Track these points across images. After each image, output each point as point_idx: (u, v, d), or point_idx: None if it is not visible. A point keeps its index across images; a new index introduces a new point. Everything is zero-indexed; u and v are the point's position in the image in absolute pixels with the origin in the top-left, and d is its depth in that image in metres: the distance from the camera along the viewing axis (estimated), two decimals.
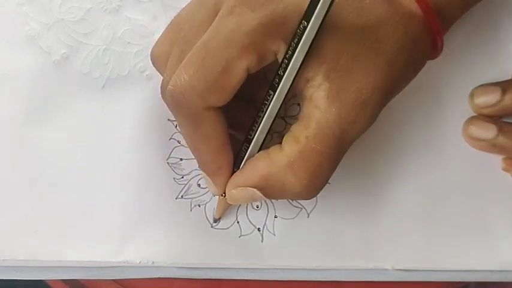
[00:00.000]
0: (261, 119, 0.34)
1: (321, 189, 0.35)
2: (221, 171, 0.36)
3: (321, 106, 0.32)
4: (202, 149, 0.36)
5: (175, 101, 0.33)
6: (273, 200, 0.41)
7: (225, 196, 0.37)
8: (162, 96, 0.35)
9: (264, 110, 0.34)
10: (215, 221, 0.41)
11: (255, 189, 0.35)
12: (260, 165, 0.35)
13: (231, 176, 0.37)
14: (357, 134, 0.33)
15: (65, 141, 0.41)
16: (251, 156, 0.36)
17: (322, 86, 0.32)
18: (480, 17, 0.42)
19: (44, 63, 0.40)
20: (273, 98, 0.33)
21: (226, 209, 0.41)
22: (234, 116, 0.36)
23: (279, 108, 0.34)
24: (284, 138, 0.34)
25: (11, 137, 0.41)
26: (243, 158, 0.36)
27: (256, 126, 0.35)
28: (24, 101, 0.40)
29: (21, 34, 0.40)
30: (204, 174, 0.38)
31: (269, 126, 0.35)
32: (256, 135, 0.35)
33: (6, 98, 0.40)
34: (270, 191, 0.35)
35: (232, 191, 0.36)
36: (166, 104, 0.35)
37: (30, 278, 0.41)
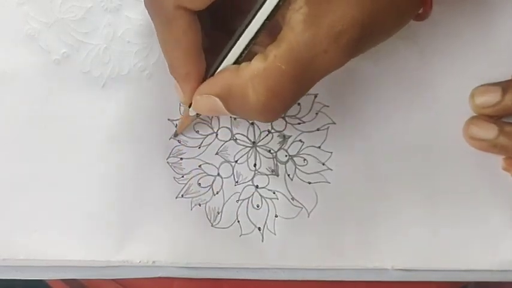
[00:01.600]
0: (240, 32, 0.34)
1: (279, 113, 0.34)
2: (189, 78, 0.36)
3: (295, 28, 0.32)
4: (172, 52, 0.36)
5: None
6: (273, 200, 0.41)
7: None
8: None
9: (246, 24, 0.34)
10: (175, 135, 0.41)
11: (217, 99, 0.35)
12: (226, 75, 0.35)
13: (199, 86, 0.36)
14: (326, 65, 0.33)
15: (64, 140, 0.41)
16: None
17: (301, 9, 0.32)
18: (480, 17, 0.42)
19: (44, 62, 0.40)
20: (257, 12, 0.33)
21: (188, 124, 0.41)
22: (216, 47, 0.36)
23: (259, 28, 0.33)
24: (256, 55, 0.34)
25: (11, 136, 0.41)
26: (215, 71, 0.36)
27: (233, 40, 0.34)
28: (25, 100, 0.40)
29: (21, 33, 0.40)
30: (174, 81, 0.37)
31: (247, 42, 0.34)
32: (232, 49, 0.35)
33: (6, 97, 0.40)
34: (231, 103, 0.34)
35: (197, 97, 0.36)
36: (145, 6, 0.35)
37: (30, 277, 0.41)
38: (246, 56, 0.35)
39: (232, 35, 0.35)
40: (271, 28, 0.33)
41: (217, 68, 0.35)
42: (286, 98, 0.33)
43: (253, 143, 0.42)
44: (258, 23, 0.33)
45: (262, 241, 0.41)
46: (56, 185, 0.41)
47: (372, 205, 0.42)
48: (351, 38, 0.32)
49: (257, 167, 0.42)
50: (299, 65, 0.32)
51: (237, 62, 0.35)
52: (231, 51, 0.35)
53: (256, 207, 0.41)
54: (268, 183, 0.42)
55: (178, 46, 0.35)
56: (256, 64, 0.33)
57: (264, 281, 0.42)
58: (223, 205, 0.41)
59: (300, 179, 0.42)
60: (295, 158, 0.42)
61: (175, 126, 0.41)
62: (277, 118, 0.35)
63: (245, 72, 0.33)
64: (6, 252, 0.40)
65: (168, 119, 0.41)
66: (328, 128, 0.42)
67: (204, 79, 0.36)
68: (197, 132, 0.41)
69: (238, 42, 0.34)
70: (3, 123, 0.40)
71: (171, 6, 0.33)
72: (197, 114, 0.39)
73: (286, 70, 0.32)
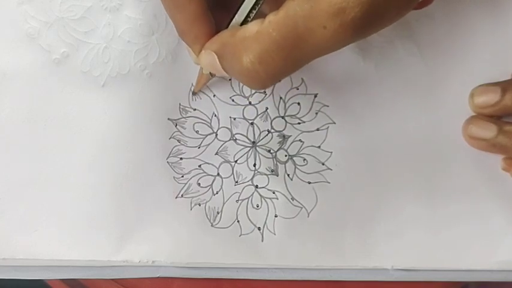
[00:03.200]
0: None
1: (264, 82, 0.33)
2: (198, 40, 0.36)
3: None
4: (178, 18, 0.36)
5: None
6: (273, 200, 0.41)
7: None
8: None
9: None
10: (193, 93, 0.41)
11: (215, 55, 0.35)
12: (226, 33, 0.35)
13: None
14: (323, 43, 0.31)
15: (64, 140, 0.41)
16: None
17: None
18: (480, 17, 0.42)
19: (44, 61, 0.40)
20: None
21: (204, 83, 0.41)
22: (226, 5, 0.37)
23: None
24: (256, 19, 0.33)
25: (10, 136, 0.41)
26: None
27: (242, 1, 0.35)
28: (24, 99, 0.40)
29: (21, 33, 0.40)
30: (185, 45, 0.38)
31: (253, 3, 0.34)
32: (239, 9, 0.35)
33: (6, 96, 0.40)
34: (224, 61, 0.34)
35: (202, 51, 0.36)
36: None
37: (30, 277, 0.41)
38: (254, 18, 0.34)
39: None
40: None
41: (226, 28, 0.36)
42: (273, 68, 0.32)
43: (253, 143, 0.42)
44: None
45: (262, 241, 0.41)
46: (56, 184, 0.41)
47: (371, 205, 0.42)
48: (355, 16, 0.30)
49: (257, 167, 0.42)
50: (291, 36, 0.31)
51: (245, 23, 0.35)
52: (238, 12, 0.35)
53: (256, 207, 0.41)
54: (268, 183, 0.42)
55: (186, 10, 0.35)
56: (252, 27, 0.32)
57: (263, 280, 0.42)
58: (223, 205, 0.41)
59: (300, 179, 0.42)
60: (295, 158, 0.42)
61: (175, 126, 0.41)
62: (263, 87, 0.34)
63: (240, 33, 0.33)
64: (6, 252, 0.40)
65: (168, 119, 0.41)
66: (328, 128, 0.42)
67: None
68: (197, 132, 0.41)
69: (245, 3, 0.34)
70: (3, 123, 0.40)
71: None
72: (211, 74, 0.39)
73: (277, 38, 0.31)
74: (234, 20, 0.35)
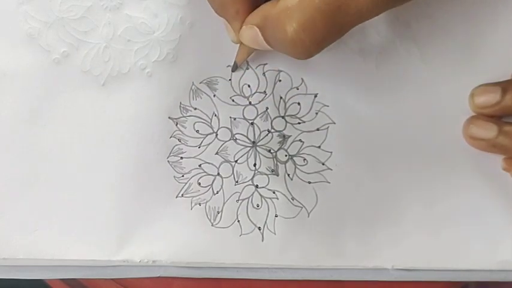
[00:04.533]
0: None
1: (309, 50, 0.33)
2: (238, 16, 0.36)
3: None
4: None
5: None
6: (273, 199, 0.41)
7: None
8: None
9: None
10: (234, 67, 0.41)
11: (257, 29, 0.35)
12: (267, 6, 0.35)
13: None
14: (364, 5, 0.32)
15: (65, 139, 0.41)
16: None
17: None
18: (480, 17, 0.42)
19: (44, 61, 0.40)
20: None
21: (246, 57, 0.41)
22: None
23: None
24: None
25: (10, 136, 0.41)
26: None
27: None
28: (25, 99, 0.40)
29: (21, 33, 0.40)
30: (223, 20, 0.37)
31: None
32: None
33: (6, 96, 0.40)
34: (267, 33, 0.35)
35: (243, 27, 0.36)
36: None
37: (30, 277, 0.41)
38: None
39: None
40: None
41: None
42: (317, 35, 0.33)
43: (253, 142, 0.42)
44: None
45: (262, 241, 0.41)
46: (56, 184, 0.41)
47: (371, 205, 0.42)
48: None
49: (257, 166, 0.42)
50: (334, 1, 0.31)
51: None
52: None
53: (256, 206, 0.41)
54: (268, 183, 0.42)
55: None
56: None
57: (264, 280, 0.42)
58: (223, 205, 0.41)
59: (300, 179, 0.42)
60: (295, 158, 0.42)
61: (176, 125, 0.41)
62: (308, 56, 0.34)
63: (281, 3, 0.33)
64: (6, 251, 0.40)
65: (169, 117, 0.41)
66: (328, 127, 0.42)
67: None
68: (197, 131, 0.41)
69: None
70: (3, 123, 0.40)
71: None
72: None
73: (320, 4, 0.32)
74: None
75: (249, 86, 0.41)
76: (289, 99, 0.42)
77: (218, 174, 0.41)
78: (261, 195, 0.41)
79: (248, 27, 0.36)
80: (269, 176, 0.42)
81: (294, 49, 0.33)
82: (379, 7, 0.32)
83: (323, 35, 0.33)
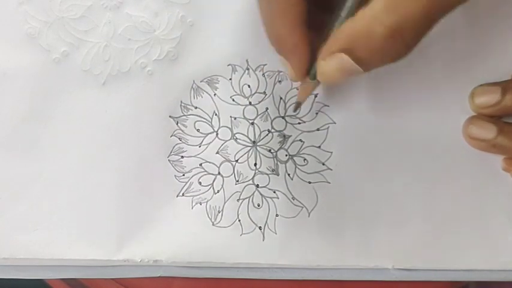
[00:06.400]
0: None
1: (408, 43, 0.31)
2: (298, 50, 0.34)
3: None
4: (278, 23, 0.34)
5: None
6: (274, 199, 0.41)
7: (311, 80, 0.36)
8: None
9: None
10: (297, 106, 0.40)
11: (343, 54, 0.32)
12: (345, 28, 0.32)
13: (309, 59, 0.35)
14: None
15: (65, 139, 0.41)
16: None
17: None
18: (480, 17, 0.42)
19: (45, 61, 0.40)
20: None
21: (309, 94, 0.39)
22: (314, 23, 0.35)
23: None
24: None
25: (11, 135, 0.41)
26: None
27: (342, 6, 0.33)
28: (25, 99, 0.40)
29: (21, 33, 0.40)
30: (280, 58, 0.36)
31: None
32: (345, 5, 0.33)
33: (6, 96, 0.40)
34: (357, 49, 0.32)
35: (321, 62, 0.33)
36: None
37: (30, 277, 0.41)
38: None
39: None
40: None
41: (328, 32, 0.34)
42: (415, 29, 0.31)
43: (254, 142, 0.42)
44: None
45: (263, 240, 0.41)
46: (56, 184, 0.41)
47: (371, 205, 0.42)
48: None
49: (257, 166, 0.42)
50: None
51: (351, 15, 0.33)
52: (344, 8, 0.33)
53: (256, 206, 0.41)
54: (268, 183, 0.42)
55: (286, 17, 0.33)
56: (376, 3, 0.30)
57: (264, 280, 0.42)
58: (224, 204, 0.41)
59: (300, 179, 0.42)
60: (295, 158, 0.42)
61: (177, 124, 0.41)
62: (409, 51, 0.32)
63: (366, 12, 0.31)
64: (7, 251, 0.40)
65: (170, 116, 0.41)
66: (328, 127, 0.42)
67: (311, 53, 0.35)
68: (198, 130, 0.41)
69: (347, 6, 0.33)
70: (3, 122, 0.40)
71: None
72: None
73: None
74: (339, 19, 0.33)
75: (249, 86, 0.41)
76: (289, 99, 0.42)
77: (219, 173, 0.41)
78: (261, 194, 0.41)
79: (330, 58, 0.33)
80: (269, 175, 0.42)
81: (394, 50, 0.31)
82: None
83: (420, 26, 0.31)
